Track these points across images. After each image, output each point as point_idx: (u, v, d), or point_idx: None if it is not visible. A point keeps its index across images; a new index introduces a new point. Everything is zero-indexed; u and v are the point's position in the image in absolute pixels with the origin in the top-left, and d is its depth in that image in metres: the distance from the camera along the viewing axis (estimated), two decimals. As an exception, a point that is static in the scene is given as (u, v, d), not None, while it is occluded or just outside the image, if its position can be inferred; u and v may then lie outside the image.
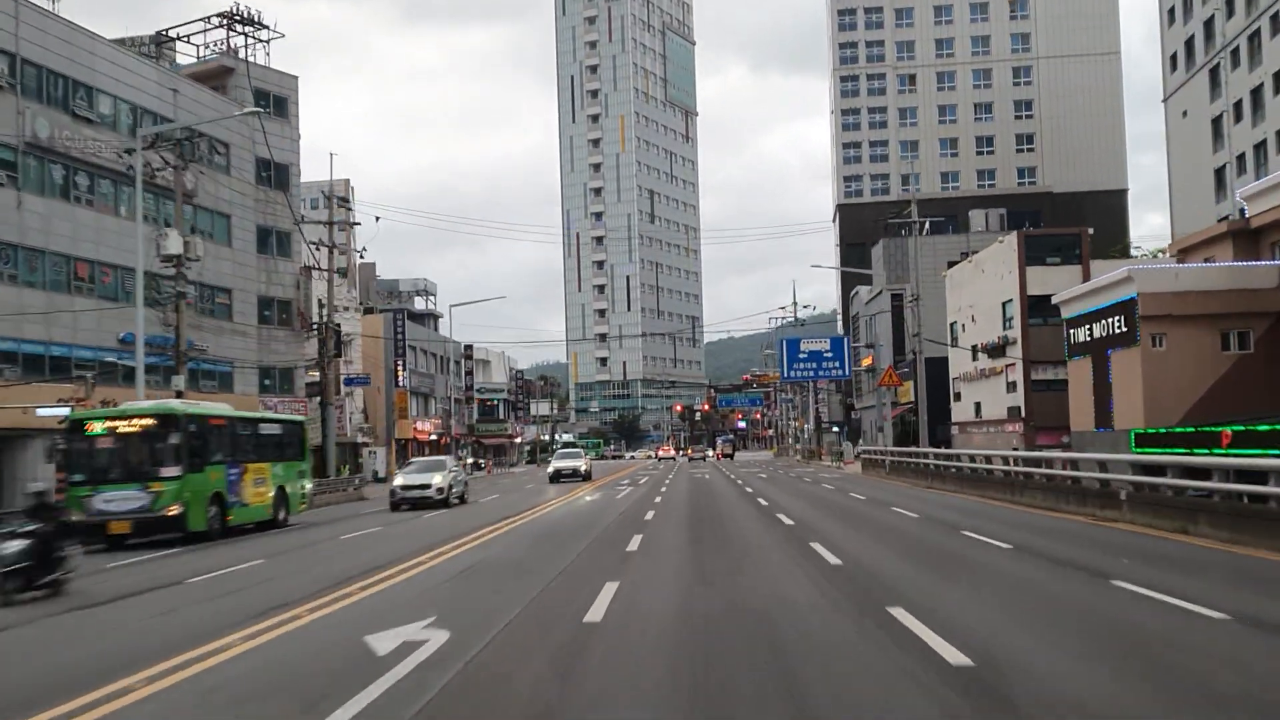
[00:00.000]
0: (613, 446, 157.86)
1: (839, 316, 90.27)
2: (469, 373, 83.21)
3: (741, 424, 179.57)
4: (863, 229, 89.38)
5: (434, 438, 69.99)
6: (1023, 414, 47.08)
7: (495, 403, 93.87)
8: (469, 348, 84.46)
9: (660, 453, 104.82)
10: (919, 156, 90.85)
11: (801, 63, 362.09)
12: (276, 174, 47.81)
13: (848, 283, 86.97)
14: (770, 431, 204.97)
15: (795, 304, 78.08)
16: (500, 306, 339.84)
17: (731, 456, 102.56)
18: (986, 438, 50.64)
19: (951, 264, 58.30)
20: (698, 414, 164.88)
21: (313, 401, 52.51)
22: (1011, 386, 48.53)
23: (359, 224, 45.60)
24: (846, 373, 50.60)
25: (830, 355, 50.07)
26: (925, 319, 66.69)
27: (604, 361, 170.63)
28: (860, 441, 69.23)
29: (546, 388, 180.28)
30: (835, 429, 70.14)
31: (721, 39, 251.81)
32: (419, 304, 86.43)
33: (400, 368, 63.92)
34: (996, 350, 49.45)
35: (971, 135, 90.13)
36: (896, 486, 35.64)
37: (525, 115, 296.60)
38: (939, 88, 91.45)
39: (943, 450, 35.76)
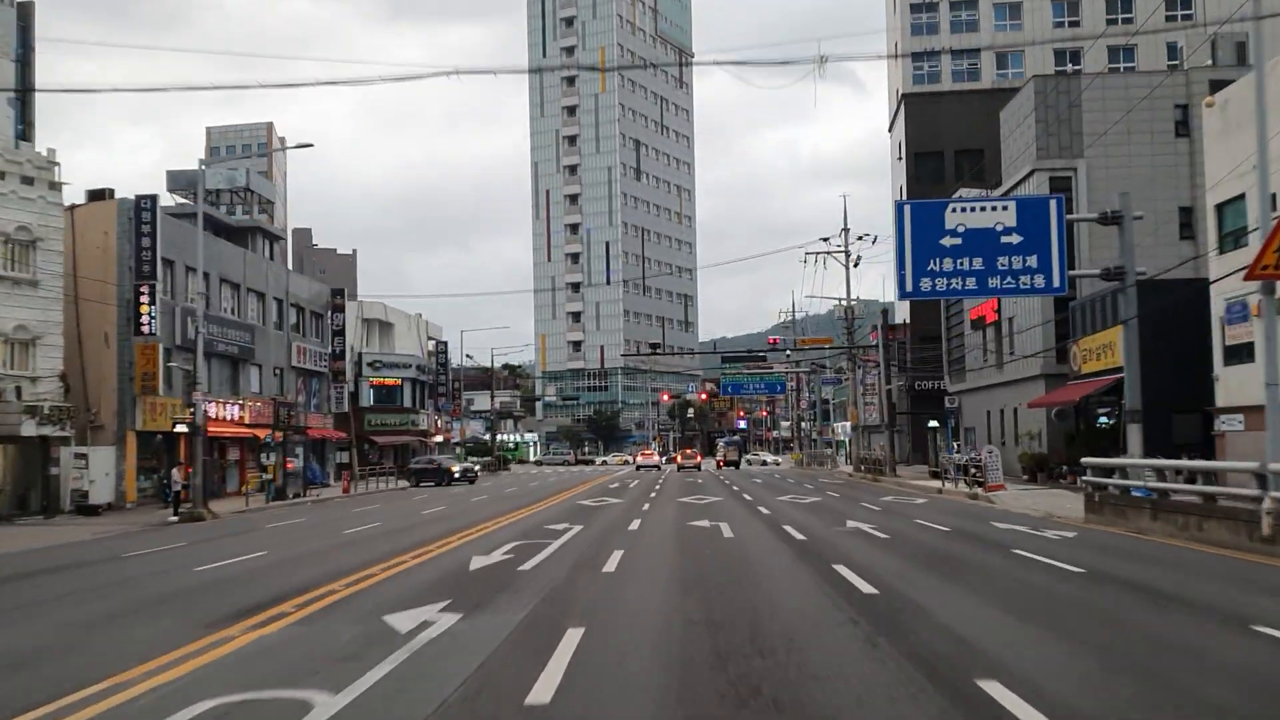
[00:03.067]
0: (585, 448, 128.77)
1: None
2: (339, 332, 53.68)
3: (741, 423, 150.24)
4: (939, 129, 60.44)
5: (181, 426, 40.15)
6: None
7: (398, 384, 64.48)
8: (338, 292, 54.91)
9: (641, 458, 75.85)
10: (1020, 26, 61.79)
11: (787, 67, 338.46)
12: None
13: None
14: (774, 433, 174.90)
15: (847, 230, 49.17)
16: (482, 310, 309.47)
17: (737, 464, 73.60)
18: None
19: (1219, 85, 29.22)
20: (690, 410, 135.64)
21: None
22: None
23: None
24: (1058, 283, 21.10)
25: (1016, 239, 20.67)
26: (1091, 207, 37.62)
27: (577, 346, 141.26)
28: (961, 445, 40.21)
29: (511, 378, 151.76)
30: (934, 424, 40.72)
31: (704, 41, 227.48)
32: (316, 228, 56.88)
33: (145, 299, 34.50)
34: None
35: (1100, -5, 61.17)
36: None
37: (513, 113, 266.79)
38: (1052, -75, 62.37)
39: None
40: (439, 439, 71.70)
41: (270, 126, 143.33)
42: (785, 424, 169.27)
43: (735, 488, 37.56)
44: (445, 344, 71.09)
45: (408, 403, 65.10)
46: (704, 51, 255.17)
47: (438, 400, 70.07)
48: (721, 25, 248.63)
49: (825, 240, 53.96)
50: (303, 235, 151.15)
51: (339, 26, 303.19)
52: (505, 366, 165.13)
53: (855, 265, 54.00)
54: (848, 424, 72.00)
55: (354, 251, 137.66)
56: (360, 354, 62.81)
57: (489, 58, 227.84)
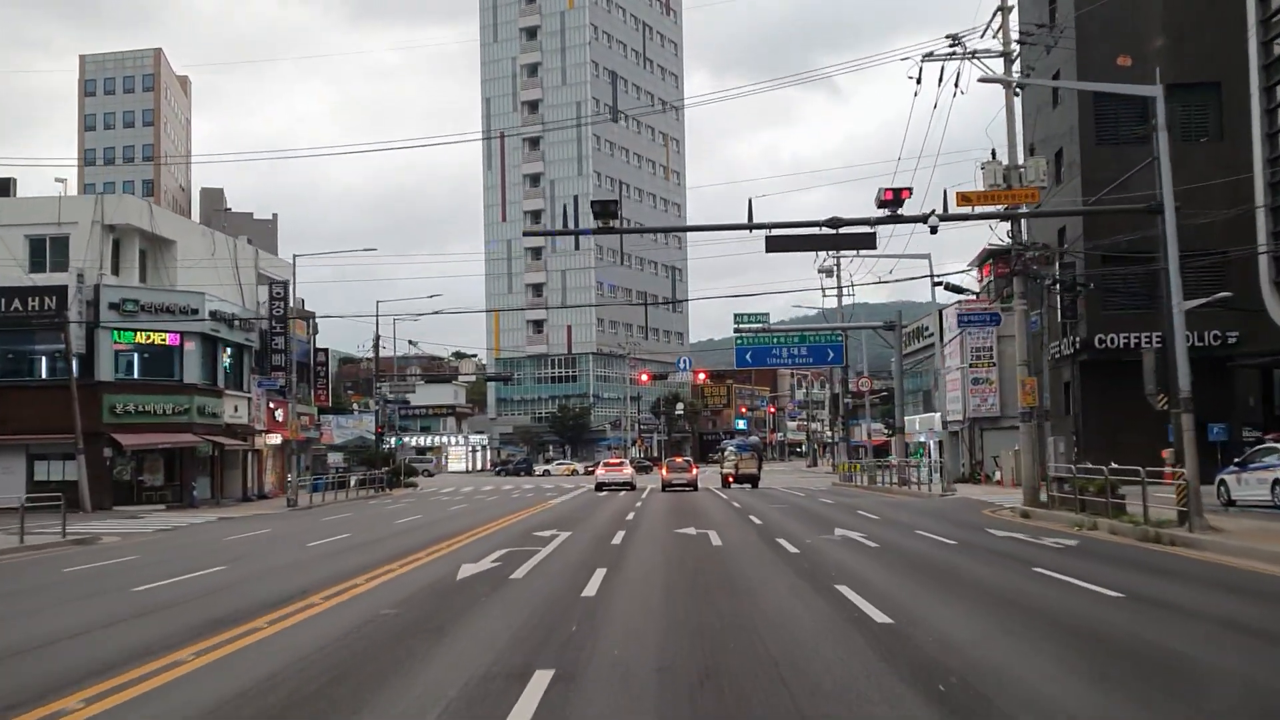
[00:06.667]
0: (549, 452, 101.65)
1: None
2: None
3: (741, 422, 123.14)
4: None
5: None
6: None
7: (174, 344, 37.04)
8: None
9: (603, 471, 48.69)
10: None
11: (765, 70, 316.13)
12: None
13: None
14: (778, 435, 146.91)
15: (1007, 9, 21.21)
16: (456, 305, 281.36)
17: (755, 481, 46.62)
18: None
19: None
20: (680, 405, 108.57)
21: None
22: None
23: None
24: None
25: None
26: None
27: (539, 326, 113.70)
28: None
29: (454, 367, 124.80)
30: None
31: (691, 40, 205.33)
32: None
33: None
34: None
35: None
36: None
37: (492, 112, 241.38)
38: None
39: None
40: (275, 439, 44.27)
41: (159, 53, 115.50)
42: (793, 424, 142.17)
43: (870, 613, 10.25)
44: (285, 285, 43.51)
45: (194, 377, 37.60)
46: (689, 46, 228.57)
47: (263, 370, 42.55)
48: (689, 27, 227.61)
49: (953, 42, 26.76)
50: (213, 195, 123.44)
51: (306, 27, 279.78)
52: (456, 354, 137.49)
53: (1018, 90, 27.10)
54: (936, 415, 44.85)
55: (274, 216, 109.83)
56: (98, 287, 35.47)
57: (457, 57, 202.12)
